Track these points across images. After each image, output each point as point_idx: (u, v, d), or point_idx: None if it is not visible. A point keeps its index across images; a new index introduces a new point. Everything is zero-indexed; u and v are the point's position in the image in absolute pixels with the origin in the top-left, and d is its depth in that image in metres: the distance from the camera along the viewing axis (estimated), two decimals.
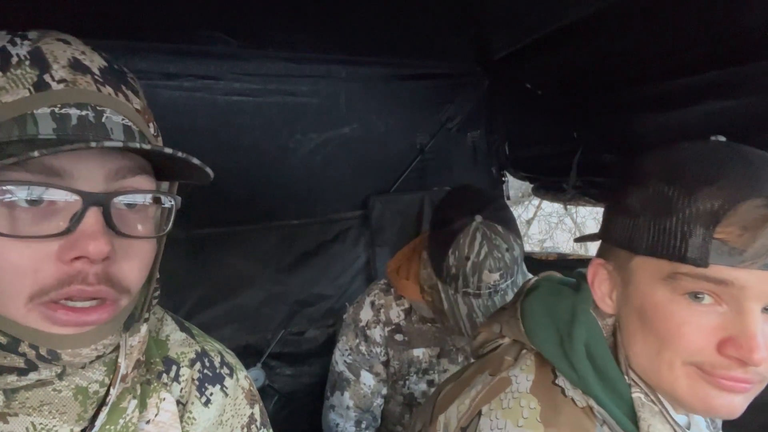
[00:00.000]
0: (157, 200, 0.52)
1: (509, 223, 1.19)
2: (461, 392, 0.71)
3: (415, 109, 1.99)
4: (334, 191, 1.90)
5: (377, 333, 1.38)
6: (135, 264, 0.50)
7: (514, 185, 2.93)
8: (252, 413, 0.70)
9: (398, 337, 1.37)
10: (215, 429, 0.64)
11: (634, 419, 0.60)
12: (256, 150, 1.73)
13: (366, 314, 1.39)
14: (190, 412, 0.62)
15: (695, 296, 0.54)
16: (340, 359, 1.43)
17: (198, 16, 1.38)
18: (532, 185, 2.12)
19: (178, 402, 0.61)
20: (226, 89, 1.65)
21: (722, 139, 0.59)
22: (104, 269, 0.46)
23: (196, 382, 0.63)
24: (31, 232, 0.44)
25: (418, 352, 1.36)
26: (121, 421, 0.52)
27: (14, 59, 0.46)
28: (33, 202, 0.44)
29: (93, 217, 0.45)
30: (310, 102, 1.79)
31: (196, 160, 0.48)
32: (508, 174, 2.22)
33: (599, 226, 0.69)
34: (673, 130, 1.37)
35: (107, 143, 0.42)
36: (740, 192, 0.52)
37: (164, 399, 0.58)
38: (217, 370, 0.66)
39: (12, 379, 0.47)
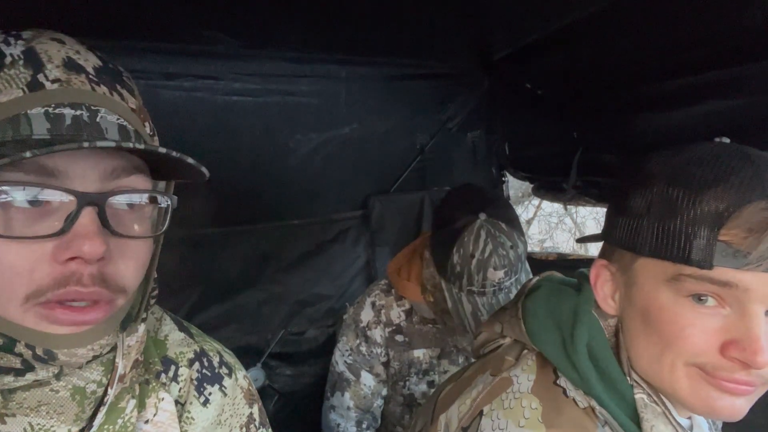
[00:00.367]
0: (153, 200, 0.51)
1: (513, 221, 1.19)
2: (462, 392, 0.71)
3: (415, 109, 1.99)
4: (334, 191, 1.91)
5: (378, 334, 1.37)
6: (131, 264, 0.49)
7: (514, 185, 2.93)
8: (251, 413, 0.69)
9: (399, 337, 1.37)
10: (214, 429, 0.63)
11: (637, 420, 0.60)
12: (256, 150, 1.73)
13: (367, 315, 1.39)
14: (189, 412, 0.62)
15: (699, 298, 0.54)
16: (340, 359, 1.43)
17: (198, 16, 1.38)
18: (532, 185, 2.12)
19: (177, 402, 0.60)
20: (226, 89, 1.65)
21: (726, 140, 0.59)
22: (99, 269, 0.46)
23: (195, 382, 0.63)
24: (26, 233, 0.43)
25: (419, 353, 1.36)
26: (120, 421, 0.52)
27: (8, 59, 0.46)
28: (27, 203, 0.43)
29: (88, 217, 0.45)
30: (310, 102, 1.80)
31: (190, 160, 0.47)
32: (508, 174, 2.22)
33: (601, 227, 0.69)
34: (673, 130, 1.37)
35: (100, 143, 0.42)
36: (745, 194, 0.52)
37: (163, 399, 0.58)
38: (216, 370, 0.66)
39: (9, 380, 0.47)
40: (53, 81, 0.46)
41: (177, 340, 0.65)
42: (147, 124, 0.55)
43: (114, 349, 0.52)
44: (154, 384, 0.58)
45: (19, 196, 0.43)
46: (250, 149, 1.72)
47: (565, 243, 6.69)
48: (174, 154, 0.46)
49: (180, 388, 0.62)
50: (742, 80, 1.18)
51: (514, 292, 1.19)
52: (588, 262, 2.09)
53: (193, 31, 1.46)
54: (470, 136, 2.14)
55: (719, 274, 0.52)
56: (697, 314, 0.54)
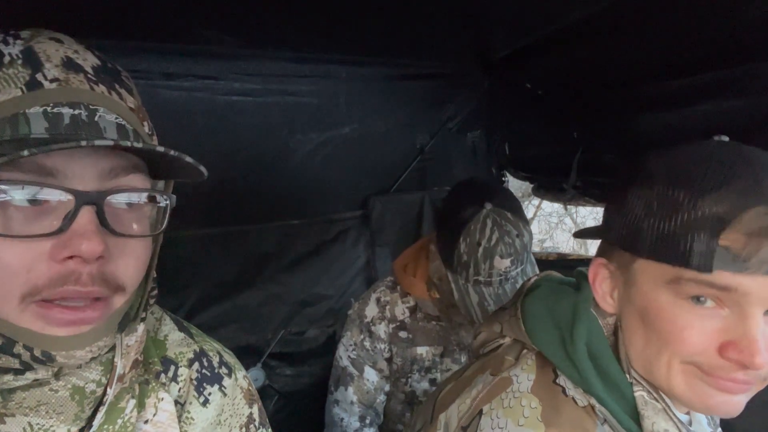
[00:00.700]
0: (152, 199, 0.51)
1: (518, 211, 1.20)
2: (462, 391, 0.71)
3: (415, 109, 1.99)
4: (334, 191, 1.91)
5: (382, 329, 1.38)
6: (130, 263, 0.49)
7: (514, 185, 2.93)
8: (251, 413, 0.69)
9: (402, 334, 1.37)
10: (213, 429, 0.63)
11: (636, 418, 0.60)
12: (256, 150, 1.73)
13: (371, 310, 1.40)
14: (189, 412, 0.61)
15: (697, 299, 0.54)
16: (344, 354, 1.43)
17: (198, 16, 1.38)
18: (532, 185, 2.12)
19: (177, 402, 0.60)
20: (226, 89, 1.65)
21: (725, 138, 0.59)
22: (98, 269, 0.46)
23: (195, 382, 0.63)
24: (24, 232, 0.43)
25: (422, 350, 1.37)
26: (120, 421, 0.52)
27: (6, 58, 0.46)
28: (26, 202, 0.43)
29: (86, 216, 0.45)
30: (310, 102, 1.80)
31: (189, 159, 0.47)
32: (508, 174, 2.22)
33: (600, 224, 0.69)
34: (673, 130, 1.37)
35: (98, 141, 0.42)
36: (746, 199, 0.52)
37: (162, 399, 0.58)
38: (216, 370, 0.66)
39: (8, 379, 0.47)
40: (52, 80, 0.46)
41: (177, 340, 0.65)
42: (146, 123, 0.55)
43: (113, 349, 0.52)
44: (153, 384, 0.58)
45: (18, 195, 0.43)
46: (250, 149, 1.72)
47: (565, 243, 6.70)
48: (172, 152, 0.46)
49: (179, 388, 0.62)
50: (742, 80, 1.18)
51: (520, 282, 1.19)
52: (588, 262, 2.08)
53: (193, 31, 1.46)
54: (470, 136, 2.14)
55: (719, 278, 0.52)
56: (695, 315, 0.54)
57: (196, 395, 0.63)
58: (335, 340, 1.88)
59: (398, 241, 1.98)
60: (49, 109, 0.45)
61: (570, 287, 0.72)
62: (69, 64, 0.48)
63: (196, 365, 0.64)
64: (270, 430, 0.73)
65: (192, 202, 1.61)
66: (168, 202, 0.54)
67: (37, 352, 0.46)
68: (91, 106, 0.47)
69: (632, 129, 1.50)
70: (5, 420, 0.47)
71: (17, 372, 0.47)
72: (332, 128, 1.86)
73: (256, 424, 0.70)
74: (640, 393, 0.61)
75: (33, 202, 0.44)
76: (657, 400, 0.61)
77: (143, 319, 0.56)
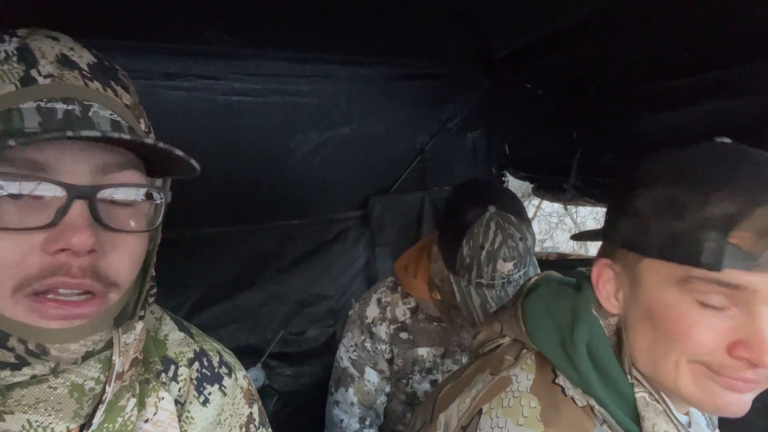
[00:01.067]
0: (147, 196, 0.52)
1: (521, 214, 1.20)
2: (462, 391, 0.71)
3: (415, 109, 1.99)
4: (334, 191, 1.91)
5: (383, 330, 1.38)
6: (124, 258, 0.49)
7: (514, 185, 2.93)
8: (251, 413, 0.69)
9: (403, 335, 1.37)
10: (213, 428, 0.64)
11: (636, 419, 0.60)
12: (256, 150, 1.73)
13: (372, 311, 1.40)
14: (189, 412, 0.62)
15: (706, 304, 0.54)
16: (344, 355, 1.43)
17: (198, 16, 1.38)
18: (532, 185, 2.12)
19: (177, 401, 0.60)
20: (226, 89, 1.65)
21: (726, 140, 0.59)
22: (90, 263, 0.46)
23: (195, 382, 0.63)
24: (17, 225, 0.44)
25: (423, 351, 1.36)
26: (120, 420, 0.52)
27: (2, 55, 0.46)
28: (18, 196, 0.44)
29: (78, 210, 0.45)
30: (310, 102, 1.80)
31: (178, 152, 0.47)
32: (508, 174, 2.22)
33: (601, 227, 0.68)
34: (673, 130, 1.37)
35: (84, 132, 0.42)
36: (755, 197, 0.52)
37: (163, 398, 0.58)
38: (216, 370, 0.66)
39: (5, 374, 0.47)
40: (46, 76, 0.46)
41: (177, 340, 0.65)
42: (142, 120, 0.55)
43: (111, 346, 0.52)
44: (154, 383, 0.58)
45: (10, 188, 0.43)
46: (250, 149, 1.72)
47: (565, 243, 6.70)
48: (161, 145, 0.46)
49: (180, 388, 0.62)
50: (742, 80, 1.18)
51: None
52: (588, 262, 2.08)
53: (193, 31, 1.46)
54: (470, 136, 2.14)
55: (728, 277, 0.52)
56: (704, 314, 0.54)
57: (196, 395, 0.63)
58: (335, 340, 1.88)
59: (398, 241, 1.98)
60: (42, 104, 0.45)
61: (570, 288, 0.71)
62: (64, 61, 0.48)
63: (196, 365, 0.64)
64: (270, 429, 0.73)
65: (192, 202, 1.61)
66: (163, 198, 0.54)
67: (31, 345, 0.46)
68: (85, 102, 0.47)
69: (632, 129, 1.50)
70: (4, 417, 0.47)
71: (14, 367, 0.47)
72: (332, 128, 1.86)
73: (256, 423, 0.70)
74: (641, 394, 0.60)
75: (26, 196, 0.44)
76: (658, 402, 0.60)
77: (142, 317, 0.56)
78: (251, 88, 1.69)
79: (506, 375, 0.68)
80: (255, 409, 0.71)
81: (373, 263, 1.99)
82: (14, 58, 0.46)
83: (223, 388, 0.66)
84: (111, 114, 0.48)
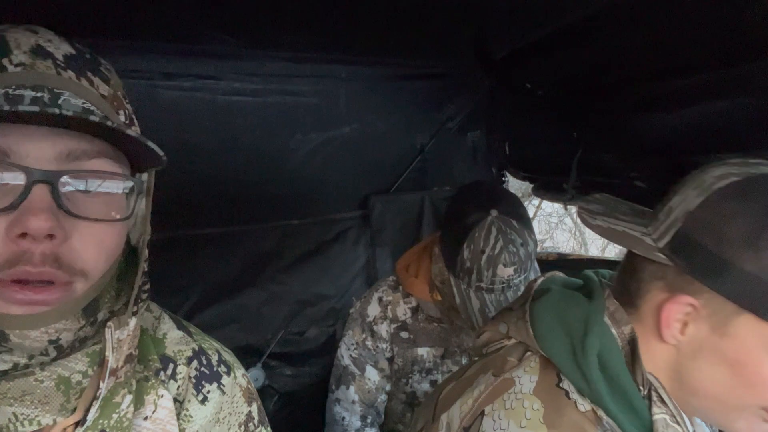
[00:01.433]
0: (119, 185, 0.51)
1: (524, 219, 1.20)
2: (464, 391, 0.71)
3: (415, 109, 1.99)
4: (334, 191, 1.91)
5: (383, 329, 1.38)
6: (91, 246, 0.49)
7: (514, 185, 2.93)
8: (249, 411, 0.69)
9: (403, 334, 1.37)
10: (212, 426, 0.63)
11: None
12: (257, 150, 1.73)
13: (373, 310, 1.40)
14: (187, 410, 0.62)
15: None
16: (345, 353, 1.43)
17: (198, 16, 1.37)
18: (532, 185, 2.12)
19: (175, 400, 0.60)
20: (226, 89, 1.65)
21: None
22: (52, 249, 0.46)
23: (193, 380, 0.63)
24: None
25: (423, 351, 1.37)
26: (115, 416, 0.52)
27: None
28: None
29: (38, 194, 0.45)
30: (310, 102, 1.79)
31: (131, 132, 0.47)
32: (508, 174, 2.22)
33: (672, 248, 0.61)
34: (672, 130, 1.37)
35: (21, 107, 0.41)
36: None
37: (162, 396, 0.58)
38: (215, 368, 0.66)
39: None
40: (17, 65, 0.47)
41: (175, 339, 0.65)
42: (122, 112, 0.55)
43: (100, 341, 0.52)
44: (153, 381, 0.59)
45: None
46: (250, 149, 1.72)
47: (565, 243, 6.70)
48: (110, 123, 0.45)
49: (178, 386, 0.62)
50: (742, 80, 1.18)
51: (522, 289, 1.19)
52: (588, 262, 2.09)
53: (193, 31, 1.46)
54: (470, 136, 2.14)
55: None
56: None
57: (195, 393, 0.63)
58: (335, 340, 1.88)
59: (398, 241, 1.98)
60: (10, 91, 0.45)
61: (581, 294, 0.70)
62: (38, 51, 0.48)
63: (194, 363, 0.64)
64: (269, 428, 0.73)
65: (192, 202, 1.61)
66: (138, 190, 0.53)
67: None
68: (55, 90, 0.47)
69: (632, 129, 1.50)
70: None
71: None
72: (332, 128, 1.86)
73: (255, 422, 0.70)
74: (662, 416, 0.60)
75: None
76: (679, 424, 0.60)
77: (134, 314, 0.55)
78: (251, 88, 1.69)
79: (509, 377, 0.67)
80: (254, 407, 0.70)
81: (373, 263, 1.99)
82: None
83: (221, 386, 0.66)
84: (83, 102, 0.48)
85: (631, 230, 0.65)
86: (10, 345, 0.47)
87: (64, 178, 0.46)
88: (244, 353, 1.73)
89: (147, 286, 0.59)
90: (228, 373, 0.67)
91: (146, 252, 0.57)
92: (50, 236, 0.45)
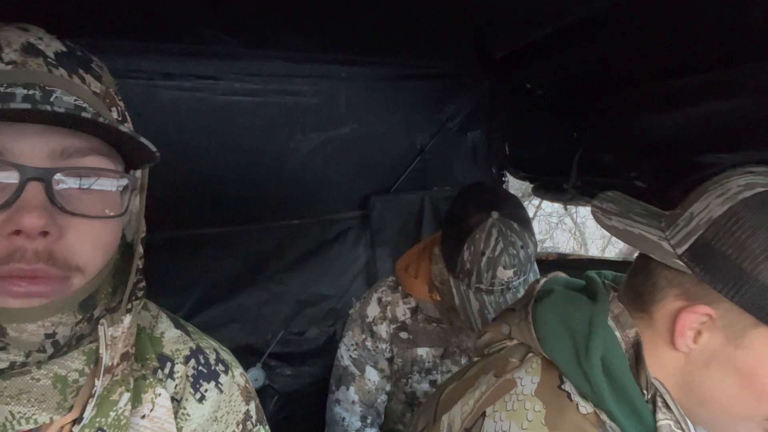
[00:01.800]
0: (113, 183, 0.51)
1: (524, 221, 1.20)
2: (465, 392, 0.71)
3: (415, 109, 1.99)
4: (334, 191, 1.91)
5: (383, 329, 1.38)
6: (86, 243, 0.49)
7: (514, 185, 2.93)
8: (247, 410, 0.69)
9: (403, 335, 1.37)
10: (210, 425, 0.63)
11: None
12: (257, 150, 1.73)
13: (373, 310, 1.40)
14: (185, 409, 0.61)
15: None
16: (345, 354, 1.43)
17: (198, 16, 1.37)
18: (532, 185, 2.12)
19: (173, 398, 0.60)
20: (226, 89, 1.65)
21: None
22: (45, 246, 0.46)
23: (191, 379, 0.63)
24: None
25: (422, 352, 1.37)
26: (113, 414, 0.52)
27: None
28: None
29: (32, 191, 0.45)
30: (310, 102, 1.79)
31: (124, 128, 0.47)
32: (508, 174, 2.22)
33: (691, 256, 0.59)
34: (673, 130, 1.37)
35: (13, 105, 0.42)
36: None
37: (159, 394, 0.58)
38: (212, 367, 0.66)
39: None
40: (8, 63, 0.47)
41: (173, 338, 0.65)
42: (115, 109, 0.55)
43: (95, 338, 0.52)
44: (150, 380, 0.58)
45: None
46: (250, 149, 1.72)
47: (565, 243, 6.70)
48: (101, 119, 0.45)
49: (176, 385, 0.62)
50: (742, 80, 1.18)
51: (522, 292, 1.19)
52: (588, 262, 2.08)
53: (193, 31, 1.46)
54: (470, 136, 2.14)
55: None
56: None
57: (192, 392, 0.63)
58: (335, 340, 1.88)
59: (398, 241, 1.98)
60: (2, 89, 0.45)
61: (584, 295, 0.70)
62: (29, 49, 0.48)
63: (192, 362, 0.64)
64: (267, 427, 0.73)
65: (192, 202, 1.61)
66: (133, 187, 0.53)
67: None
68: (47, 88, 0.47)
69: (632, 129, 1.50)
70: None
71: None
72: (332, 128, 1.86)
73: (253, 421, 0.70)
74: (666, 422, 0.60)
75: None
76: (683, 431, 0.60)
77: (129, 311, 0.55)
78: (251, 88, 1.69)
79: (511, 377, 0.67)
80: (252, 406, 0.70)
81: (373, 263, 1.99)
82: None
83: (219, 385, 0.65)
84: (75, 100, 0.48)
85: (648, 233, 0.63)
86: (8, 340, 0.47)
87: (58, 176, 0.47)
88: (244, 353, 1.73)
89: (142, 284, 0.59)
90: (226, 372, 0.67)
91: (141, 249, 0.57)
92: (44, 233, 0.45)
